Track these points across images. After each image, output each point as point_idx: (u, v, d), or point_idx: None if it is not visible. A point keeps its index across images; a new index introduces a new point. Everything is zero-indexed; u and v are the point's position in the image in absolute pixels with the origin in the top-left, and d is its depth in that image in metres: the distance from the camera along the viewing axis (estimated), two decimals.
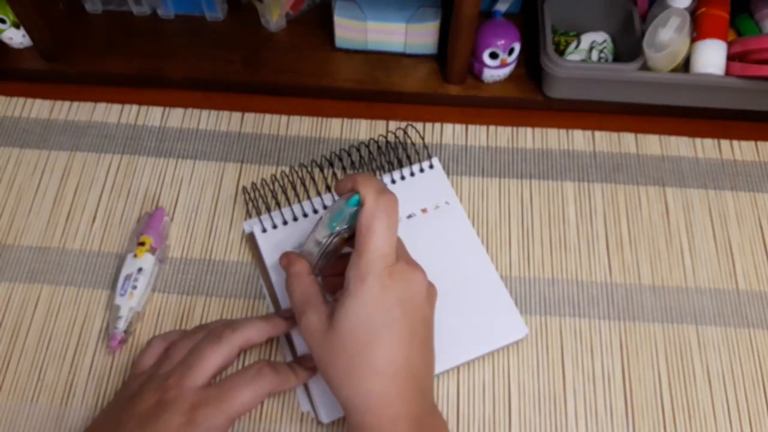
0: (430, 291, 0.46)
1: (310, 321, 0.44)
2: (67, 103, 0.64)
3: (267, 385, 0.46)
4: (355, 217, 0.45)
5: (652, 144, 0.62)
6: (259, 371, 0.46)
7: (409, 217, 0.56)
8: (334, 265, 0.49)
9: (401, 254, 0.45)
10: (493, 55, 0.60)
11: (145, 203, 0.59)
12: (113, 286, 0.54)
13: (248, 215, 0.58)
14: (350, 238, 0.46)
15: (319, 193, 0.57)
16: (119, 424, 0.44)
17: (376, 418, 0.41)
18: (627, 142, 0.63)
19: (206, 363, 0.46)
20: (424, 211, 0.56)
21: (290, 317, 0.51)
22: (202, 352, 0.46)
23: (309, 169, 0.59)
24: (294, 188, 0.58)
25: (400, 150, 0.60)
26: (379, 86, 0.64)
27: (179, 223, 0.58)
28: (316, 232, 0.47)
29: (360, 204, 0.44)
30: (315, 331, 0.44)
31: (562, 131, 0.63)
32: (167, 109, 0.64)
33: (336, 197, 0.55)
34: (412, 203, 0.56)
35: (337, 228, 0.45)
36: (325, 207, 0.56)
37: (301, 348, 0.51)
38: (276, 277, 0.54)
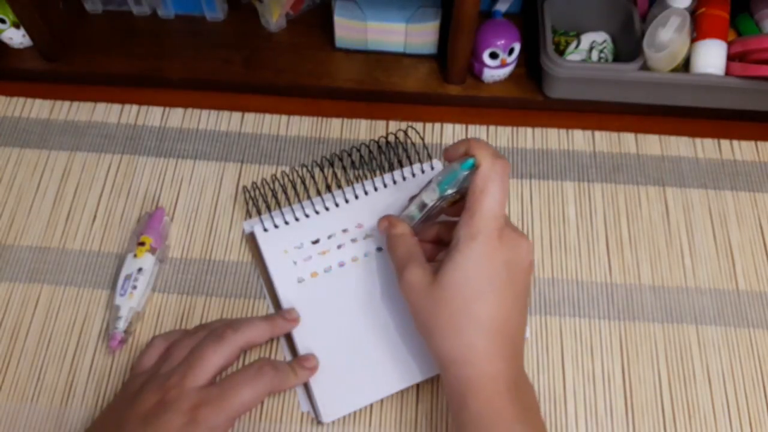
0: (532, 262, 0.47)
1: (414, 275, 0.46)
2: (67, 103, 0.64)
3: (267, 383, 0.46)
4: (465, 181, 0.46)
5: (652, 144, 0.62)
6: (259, 370, 0.46)
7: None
8: (425, 232, 0.51)
9: (508, 222, 0.47)
10: (493, 55, 0.60)
11: (145, 203, 0.59)
12: (113, 286, 0.54)
13: (248, 215, 0.58)
14: (456, 201, 0.48)
15: (319, 193, 0.57)
16: (121, 424, 0.44)
17: (476, 372, 0.42)
18: (627, 142, 0.63)
19: (207, 363, 0.46)
20: None
21: (291, 318, 0.51)
22: (203, 353, 0.46)
23: (309, 168, 0.59)
24: (294, 188, 0.58)
25: (401, 150, 0.60)
26: (379, 86, 0.63)
27: (179, 223, 0.58)
28: (423, 195, 0.49)
29: (474, 167, 0.45)
30: (418, 285, 0.45)
31: (562, 131, 0.63)
32: (167, 109, 0.64)
33: (335, 209, 0.55)
34: None
35: (448, 191, 0.47)
36: (326, 208, 0.56)
37: (301, 348, 0.51)
38: (276, 277, 0.54)
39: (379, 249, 0.55)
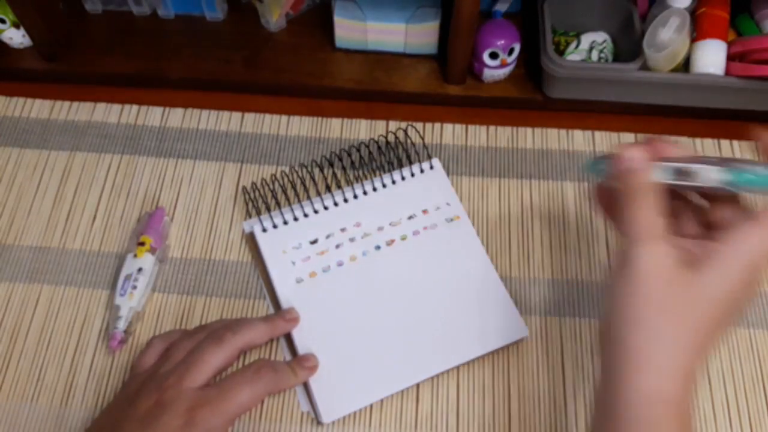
0: None
1: (663, 254, 0.36)
2: (67, 103, 0.64)
3: (266, 384, 0.46)
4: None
5: None
6: (257, 371, 0.46)
7: (410, 218, 0.56)
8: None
9: None
10: (493, 55, 0.60)
11: (145, 203, 0.59)
12: (113, 286, 0.54)
13: (248, 215, 0.58)
14: (722, 200, 0.39)
15: (319, 193, 0.57)
16: (118, 425, 0.44)
17: (682, 386, 0.35)
18: (627, 142, 0.62)
19: (206, 364, 0.46)
20: (424, 212, 0.56)
21: (290, 318, 0.51)
22: (201, 354, 0.46)
23: (309, 168, 0.59)
24: (294, 188, 0.58)
25: (400, 150, 0.60)
26: (379, 86, 0.63)
27: (179, 223, 0.58)
28: (698, 169, 0.37)
29: None
30: (661, 271, 0.35)
31: (562, 131, 0.63)
32: (167, 109, 0.64)
33: (333, 209, 0.55)
34: (412, 204, 0.56)
35: (742, 188, 0.37)
36: (325, 207, 0.56)
37: (301, 348, 0.51)
38: (276, 277, 0.54)
39: (377, 248, 0.55)
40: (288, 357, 0.52)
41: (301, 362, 0.49)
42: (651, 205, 0.37)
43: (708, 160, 0.38)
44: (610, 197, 0.40)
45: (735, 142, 0.63)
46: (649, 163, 0.38)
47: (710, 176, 0.37)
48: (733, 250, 0.36)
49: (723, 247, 0.36)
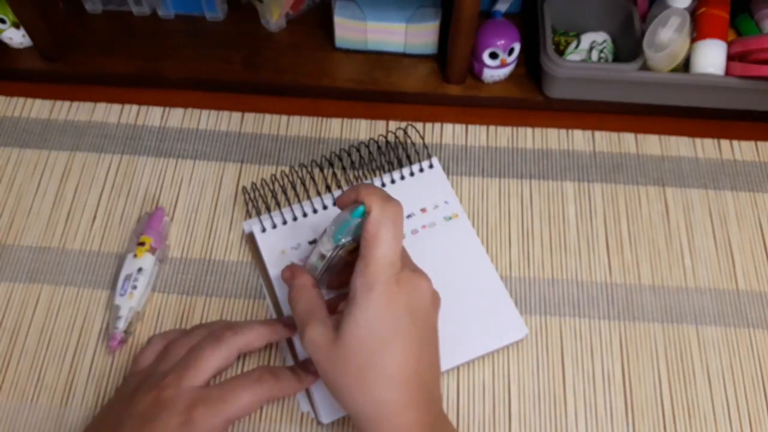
0: (435, 298, 0.45)
1: (316, 333, 0.43)
2: (67, 103, 0.64)
3: (267, 391, 0.46)
4: (360, 228, 0.44)
5: (652, 144, 0.62)
6: (259, 377, 0.46)
7: (409, 216, 0.56)
8: (342, 277, 0.48)
9: (406, 262, 0.45)
10: (493, 55, 0.60)
11: (145, 203, 0.59)
12: (113, 286, 0.54)
13: (248, 215, 0.58)
14: (356, 249, 0.46)
15: (319, 193, 0.57)
16: (118, 423, 0.44)
17: (390, 426, 0.41)
18: (627, 142, 0.63)
19: (205, 363, 0.46)
20: (423, 210, 0.56)
21: (292, 324, 0.51)
22: (201, 353, 0.46)
23: (309, 169, 0.59)
24: (294, 188, 0.58)
25: (400, 150, 0.60)
26: (379, 86, 0.64)
27: (179, 223, 0.58)
28: (320, 245, 0.46)
29: (365, 214, 0.43)
30: (321, 343, 0.43)
31: (562, 131, 0.63)
32: (167, 109, 0.64)
33: (332, 209, 0.55)
34: (411, 203, 0.56)
35: (342, 240, 0.45)
36: (324, 207, 0.56)
37: (302, 352, 0.51)
38: (276, 277, 0.54)
39: None
40: (289, 359, 0.52)
41: (305, 367, 0.49)
42: (304, 299, 0.46)
43: (321, 238, 0.46)
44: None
45: (735, 142, 0.63)
46: (300, 270, 0.48)
47: (326, 245, 0.45)
48: (353, 291, 0.42)
49: (350, 303, 0.43)
